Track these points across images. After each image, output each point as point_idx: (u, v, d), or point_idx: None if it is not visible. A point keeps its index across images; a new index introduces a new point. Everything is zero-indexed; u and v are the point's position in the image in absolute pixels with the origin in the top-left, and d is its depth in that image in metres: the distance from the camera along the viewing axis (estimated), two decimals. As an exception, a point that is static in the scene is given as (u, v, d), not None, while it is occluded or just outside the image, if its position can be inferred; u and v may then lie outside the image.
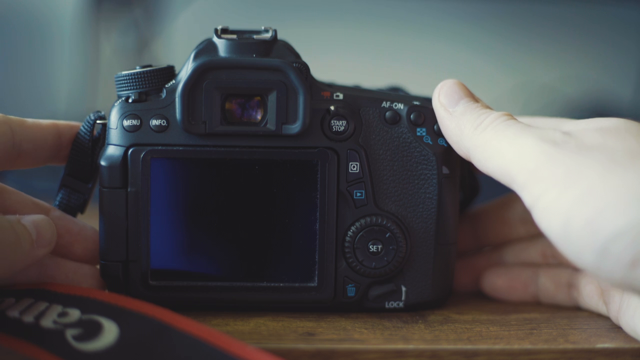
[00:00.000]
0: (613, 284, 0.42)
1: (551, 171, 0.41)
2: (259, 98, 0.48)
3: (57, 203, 0.51)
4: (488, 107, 0.48)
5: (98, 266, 0.50)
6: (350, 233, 0.49)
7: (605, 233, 0.38)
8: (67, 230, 0.50)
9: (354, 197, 0.49)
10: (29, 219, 0.45)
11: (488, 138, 0.45)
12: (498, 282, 0.54)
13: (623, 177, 0.39)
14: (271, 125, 0.48)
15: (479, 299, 0.55)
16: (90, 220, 0.52)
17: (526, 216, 0.45)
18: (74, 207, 0.51)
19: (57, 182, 0.51)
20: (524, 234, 0.55)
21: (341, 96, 0.49)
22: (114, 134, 0.48)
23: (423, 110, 0.50)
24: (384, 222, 0.49)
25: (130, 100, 0.48)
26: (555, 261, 0.53)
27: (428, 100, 0.50)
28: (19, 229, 0.44)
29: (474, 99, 0.49)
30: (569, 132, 0.44)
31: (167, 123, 0.48)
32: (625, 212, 0.38)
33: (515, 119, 0.46)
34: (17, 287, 0.46)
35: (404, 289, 0.51)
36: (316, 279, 0.50)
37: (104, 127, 0.50)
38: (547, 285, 0.53)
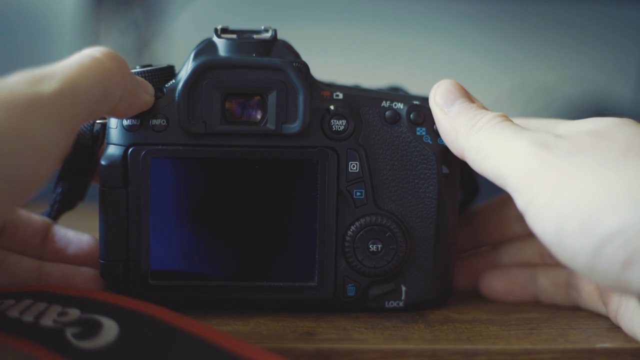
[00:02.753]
0: (607, 285, 0.42)
1: (543, 174, 0.41)
2: (258, 97, 0.48)
3: (58, 194, 0.51)
4: (484, 107, 0.48)
5: (97, 268, 0.50)
6: (350, 232, 0.49)
7: (598, 235, 0.38)
8: (63, 236, 0.51)
9: (354, 197, 0.49)
10: None
11: (482, 139, 0.45)
12: (496, 285, 0.54)
13: (615, 177, 0.39)
14: (271, 125, 0.48)
15: (479, 299, 0.55)
16: (90, 221, 0.52)
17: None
18: (74, 197, 0.52)
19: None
20: (521, 232, 0.55)
21: (341, 96, 0.50)
22: (114, 134, 0.48)
23: (423, 110, 0.50)
24: (384, 222, 0.49)
25: None
26: (553, 261, 0.53)
27: (428, 100, 0.50)
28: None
29: (470, 99, 0.49)
30: (561, 134, 0.44)
31: (167, 122, 0.48)
32: (618, 213, 0.38)
33: (510, 120, 0.46)
34: (16, 289, 0.46)
35: (403, 288, 0.51)
36: (316, 278, 0.50)
37: (104, 126, 0.50)
38: (546, 286, 0.53)
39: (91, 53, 0.44)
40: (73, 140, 0.42)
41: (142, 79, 0.48)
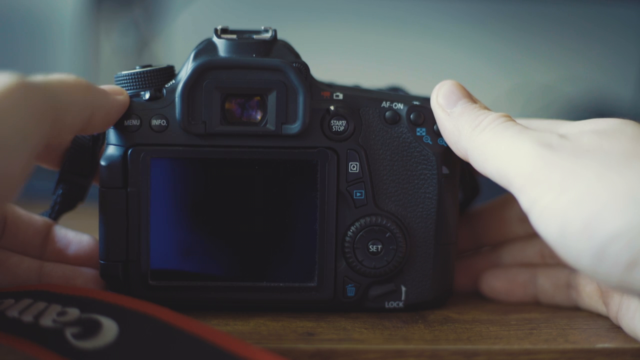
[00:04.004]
0: (610, 285, 0.42)
1: (548, 175, 0.41)
2: (258, 98, 0.48)
3: (58, 195, 0.51)
4: (486, 108, 0.48)
5: (97, 269, 0.50)
6: (350, 233, 0.49)
7: (602, 235, 0.38)
8: (63, 236, 0.51)
9: (354, 197, 0.49)
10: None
11: (486, 140, 0.45)
12: (497, 284, 0.54)
13: (619, 179, 0.39)
14: (271, 125, 0.48)
15: (479, 299, 0.55)
16: (90, 221, 0.52)
17: (524, 215, 0.45)
18: (74, 198, 0.52)
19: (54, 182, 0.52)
20: (522, 233, 0.55)
21: (341, 96, 0.50)
22: (114, 134, 0.48)
23: (423, 110, 0.50)
24: (384, 222, 0.49)
25: (145, 98, 0.48)
26: (554, 261, 0.53)
27: (428, 100, 0.50)
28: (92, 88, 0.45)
29: (472, 99, 0.49)
30: (565, 135, 0.44)
31: (167, 123, 0.48)
32: (622, 214, 0.38)
33: (514, 121, 0.46)
34: (16, 288, 0.46)
35: (403, 289, 0.51)
36: (316, 279, 0.50)
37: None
38: (546, 286, 0.53)
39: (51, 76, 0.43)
40: (49, 134, 0.40)
41: (110, 86, 0.48)
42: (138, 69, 0.49)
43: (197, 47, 0.49)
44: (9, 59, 1.33)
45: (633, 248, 0.38)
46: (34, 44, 1.32)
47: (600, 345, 0.46)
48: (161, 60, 1.05)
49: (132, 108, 0.48)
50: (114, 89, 0.48)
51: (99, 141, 0.50)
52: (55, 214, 0.52)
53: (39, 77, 0.41)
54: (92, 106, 0.44)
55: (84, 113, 0.44)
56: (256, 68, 0.48)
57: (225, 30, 0.49)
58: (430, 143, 0.50)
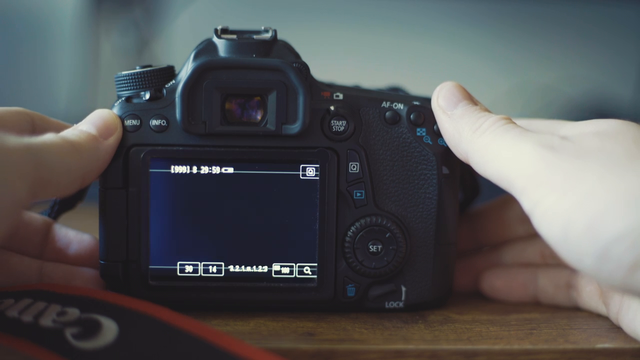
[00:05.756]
0: (613, 287, 0.42)
1: (550, 176, 0.41)
2: (258, 98, 0.48)
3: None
4: (487, 110, 0.48)
5: (96, 269, 0.50)
6: (350, 233, 0.49)
7: (605, 237, 0.38)
8: (64, 235, 0.51)
9: (354, 197, 0.49)
10: (77, 126, 0.47)
11: (487, 142, 0.45)
12: (497, 283, 0.55)
13: (622, 180, 0.39)
14: (271, 125, 0.48)
15: (479, 299, 0.55)
16: (90, 220, 0.52)
17: (525, 216, 0.45)
18: (74, 197, 0.52)
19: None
20: (522, 233, 0.55)
21: (341, 96, 0.50)
22: (114, 134, 0.48)
23: (423, 111, 0.50)
24: (384, 222, 0.49)
25: (145, 98, 0.48)
26: (554, 261, 0.53)
27: (428, 100, 0.50)
28: (72, 137, 0.44)
29: (473, 101, 0.49)
30: (566, 136, 0.44)
31: (167, 123, 0.48)
32: (625, 216, 0.38)
33: (514, 123, 0.46)
34: (16, 288, 0.46)
35: (403, 289, 0.51)
36: (316, 279, 0.50)
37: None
38: (546, 286, 0.53)
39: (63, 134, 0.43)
40: (33, 201, 0.39)
41: (102, 122, 0.47)
42: (138, 69, 0.49)
43: (197, 47, 0.49)
44: (10, 59, 1.33)
45: (636, 249, 0.38)
46: (34, 44, 1.32)
47: (600, 345, 0.46)
48: (161, 60, 1.05)
49: (132, 108, 0.48)
50: (105, 130, 0.47)
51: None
52: (55, 214, 0.52)
53: (24, 138, 0.40)
54: (84, 169, 0.44)
55: (74, 174, 0.43)
56: (256, 68, 0.48)
57: (225, 31, 0.49)
58: (431, 143, 0.50)
